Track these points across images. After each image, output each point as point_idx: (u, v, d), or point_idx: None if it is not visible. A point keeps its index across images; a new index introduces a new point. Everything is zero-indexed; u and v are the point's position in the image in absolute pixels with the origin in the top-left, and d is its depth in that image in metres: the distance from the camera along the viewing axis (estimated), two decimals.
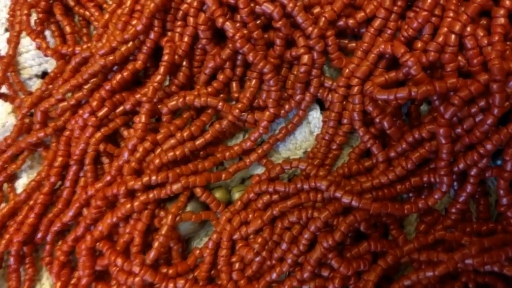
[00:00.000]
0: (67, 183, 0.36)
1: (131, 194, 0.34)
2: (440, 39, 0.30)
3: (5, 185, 0.40)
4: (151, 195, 0.33)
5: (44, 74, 0.41)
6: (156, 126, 0.36)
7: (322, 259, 0.32)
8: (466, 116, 0.30)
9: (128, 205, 0.34)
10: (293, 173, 0.36)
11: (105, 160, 0.36)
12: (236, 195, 0.36)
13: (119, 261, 0.34)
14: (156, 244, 0.33)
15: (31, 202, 0.37)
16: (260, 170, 0.36)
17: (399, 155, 0.33)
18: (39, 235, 0.37)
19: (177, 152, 0.34)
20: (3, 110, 0.40)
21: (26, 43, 0.40)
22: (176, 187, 0.34)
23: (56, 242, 0.38)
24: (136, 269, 0.33)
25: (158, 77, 0.34)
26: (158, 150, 0.34)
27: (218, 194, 0.35)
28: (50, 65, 0.40)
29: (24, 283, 0.38)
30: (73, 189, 0.37)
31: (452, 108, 0.29)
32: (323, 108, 0.36)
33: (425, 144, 0.31)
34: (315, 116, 0.36)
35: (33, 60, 0.40)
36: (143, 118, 0.34)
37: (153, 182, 0.33)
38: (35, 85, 0.41)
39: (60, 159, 0.36)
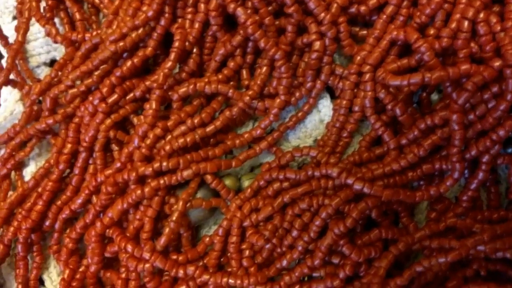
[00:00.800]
0: (76, 170, 0.36)
1: (141, 180, 0.34)
2: (453, 25, 0.30)
3: (13, 173, 0.39)
4: (161, 181, 0.33)
5: (52, 62, 0.41)
6: (166, 114, 0.36)
7: (333, 246, 0.32)
8: (478, 102, 0.30)
9: (139, 191, 0.33)
10: (302, 162, 0.36)
11: (114, 147, 0.36)
12: (246, 183, 0.36)
13: (129, 248, 0.33)
14: (166, 230, 0.33)
15: (39, 189, 0.37)
16: (269, 159, 0.36)
17: (411, 142, 0.32)
18: (47, 222, 0.37)
19: (188, 139, 0.34)
20: (11, 97, 0.40)
21: (35, 30, 0.40)
22: (187, 173, 0.33)
23: (64, 230, 0.37)
24: (146, 255, 0.33)
25: (169, 64, 0.34)
26: (169, 137, 0.34)
27: (228, 182, 0.35)
28: (59, 52, 0.40)
29: (32, 271, 0.38)
30: (82, 176, 0.36)
31: (465, 94, 0.29)
32: (333, 97, 0.36)
33: (437, 131, 0.31)
34: (325, 105, 0.36)
35: (41, 47, 0.40)
36: (153, 105, 0.34)
37: (164, 168, 0.33)
38: (43, 73, 0.40)
39: (69, 146, 0.36)
